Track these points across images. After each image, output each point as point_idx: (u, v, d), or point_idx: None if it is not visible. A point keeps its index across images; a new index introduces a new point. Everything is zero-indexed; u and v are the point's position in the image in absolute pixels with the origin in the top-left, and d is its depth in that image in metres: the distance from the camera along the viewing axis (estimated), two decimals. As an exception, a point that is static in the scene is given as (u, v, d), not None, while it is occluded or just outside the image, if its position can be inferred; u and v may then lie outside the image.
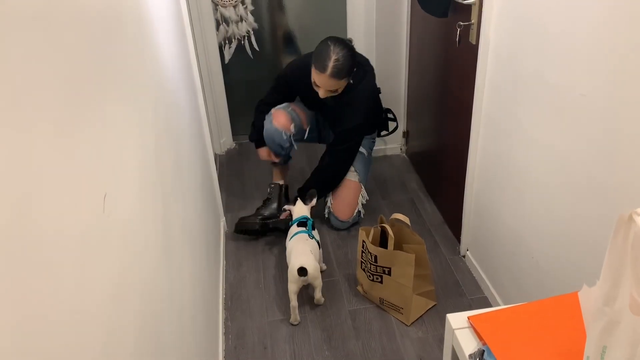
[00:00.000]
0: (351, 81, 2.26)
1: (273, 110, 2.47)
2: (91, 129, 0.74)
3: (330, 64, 2.10)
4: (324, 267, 2.26)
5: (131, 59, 1.05)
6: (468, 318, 0.94)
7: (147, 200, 1.03)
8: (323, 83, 2.17)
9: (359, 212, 2.52)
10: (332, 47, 2.11)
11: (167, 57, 1.53)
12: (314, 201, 2.27)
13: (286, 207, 2.32)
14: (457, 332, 0.94)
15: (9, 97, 0.51)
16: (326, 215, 2.54)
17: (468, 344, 0.91)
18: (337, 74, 2.12)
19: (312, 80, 2.22)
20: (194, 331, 1.39)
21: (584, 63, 1.32)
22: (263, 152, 2.60)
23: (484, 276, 2.12)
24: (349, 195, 2.48)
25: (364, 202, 2.53)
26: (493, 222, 1.98)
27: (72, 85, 0.68)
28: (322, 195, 2.47)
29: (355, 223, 2.54)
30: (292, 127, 2.44)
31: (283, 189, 2.58)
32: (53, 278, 0.56)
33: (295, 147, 2.53)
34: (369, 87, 2.32)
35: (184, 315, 1.28)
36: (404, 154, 3.20)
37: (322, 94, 2.23)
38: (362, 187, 2.52)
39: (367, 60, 2.39)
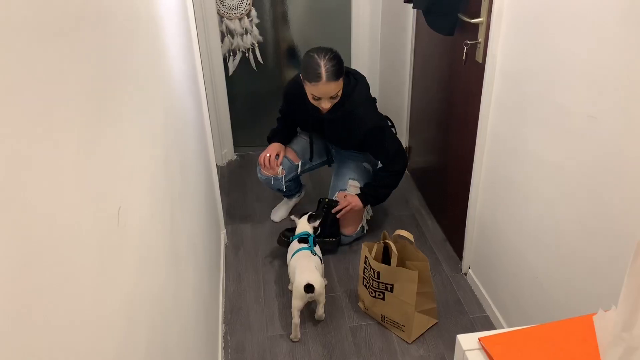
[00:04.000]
0: (342, 89, 2.21)
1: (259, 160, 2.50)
2: (108, 142, 0.73)
3: (323, 70, 2.08)
4: (326, 281, 2.25)
5: (144, 71, 1.05)
6: (479, 339, 0.93)
7: (157, 212, 1.03)
8: (323, 92, 2.13)
9: (362, 227, 2.51)
10: (316, 55, 2.11)
11: (176, 69, 1.53)
12: (317, 222, 2.29)
13: (292, 217, 2.35)
14: (467, 354, 0.92)
15: (38, 116, 0.51)
16: (329, 230, 2.53)
17: (479, 365, 0.90)
18: (332, 75, 2.10)
19: (311, 97, 2.18)
20: (196, 343, 1.38)
21: (592, 84, 1.33)
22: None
23: (485, 295, 2.10)
24: (354, 211, 2.47)
25: (369, 217, 2.52)
26: (496, 240, 1.98)
27: (92, 101, 0.68)
28: (375, 203, 2.54)
29: (358, 238, 2.53)
30: (280, 170, 2.48)
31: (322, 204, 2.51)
32: (70, 290, 0.55)
33: (301, 188, 2.73)
34: (363, 94, 2.31)
35: (188, 328, 1.27)
36: (406, 170, 3.19)
37: (325, 105, 2.18)
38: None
39: (357, 71, 2.39)
